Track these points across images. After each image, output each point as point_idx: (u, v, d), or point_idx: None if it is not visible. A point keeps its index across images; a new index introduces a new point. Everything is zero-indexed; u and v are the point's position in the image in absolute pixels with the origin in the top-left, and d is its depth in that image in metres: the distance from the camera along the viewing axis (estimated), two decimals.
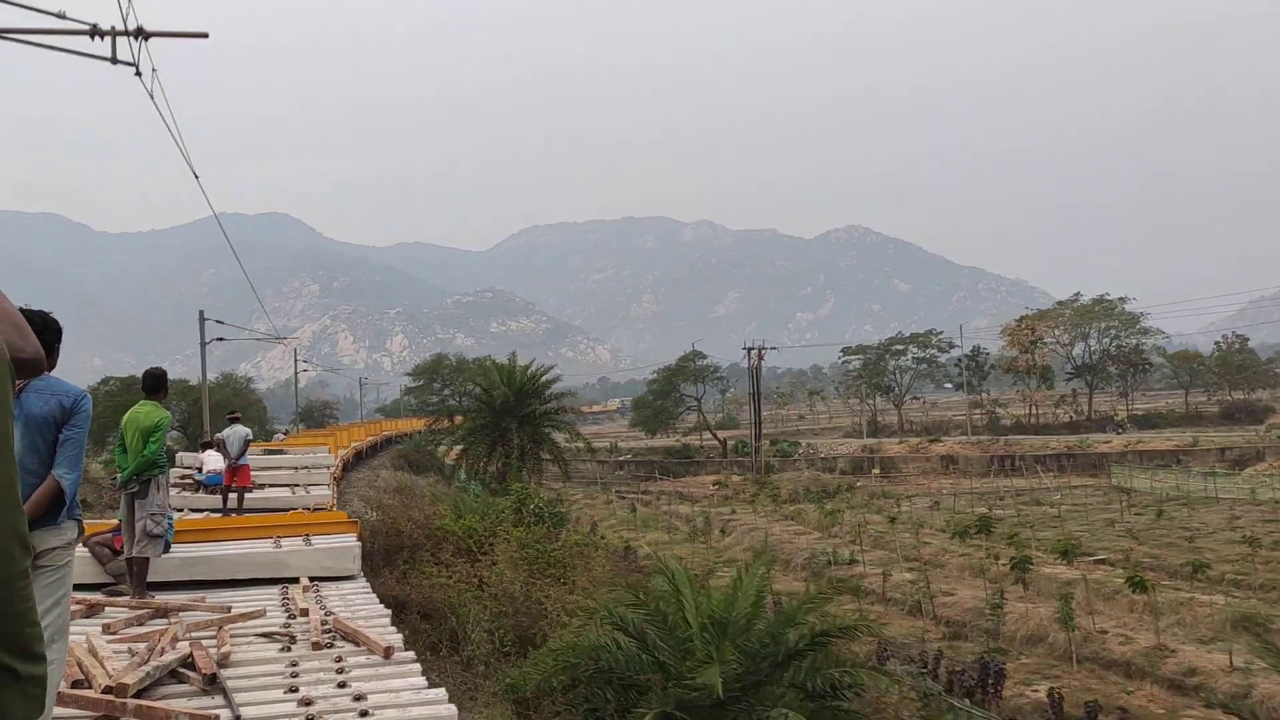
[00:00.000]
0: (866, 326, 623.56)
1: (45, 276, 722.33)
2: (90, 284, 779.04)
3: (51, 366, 5.26)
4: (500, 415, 41.84)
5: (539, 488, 37.38)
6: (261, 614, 8.20)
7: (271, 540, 10.82)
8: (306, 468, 26.05)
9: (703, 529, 49.46)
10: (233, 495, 18.94)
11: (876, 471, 74.59)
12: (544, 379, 44.31)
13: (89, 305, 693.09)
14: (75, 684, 5.86)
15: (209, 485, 19.87)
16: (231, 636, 7.29)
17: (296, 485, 23.43)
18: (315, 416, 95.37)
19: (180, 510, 18.54)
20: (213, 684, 6.11)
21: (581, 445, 73.75)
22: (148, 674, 5.99)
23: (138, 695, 5.77)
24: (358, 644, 7.08)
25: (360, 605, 8.72)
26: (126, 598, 8.89)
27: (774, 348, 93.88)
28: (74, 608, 8.00)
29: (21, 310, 5.10)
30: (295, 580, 9.67)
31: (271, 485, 23.16)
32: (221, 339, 43.57)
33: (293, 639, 7.31)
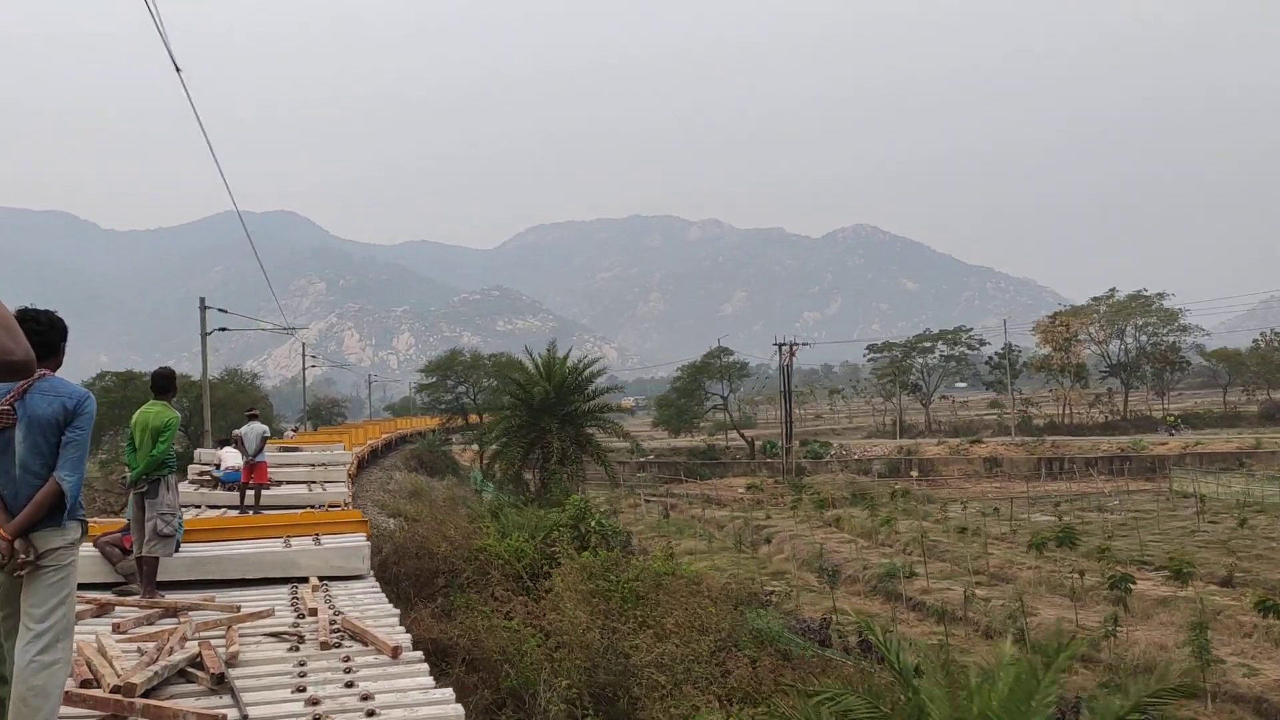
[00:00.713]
0: (874, 325, 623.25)
1: (52, 274, 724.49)
2: (97, 281, 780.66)
3: (57, 366, 5.26)
4: (538, 414, 36.85)
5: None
6: (270, 614, 8.22)
7: (281, 540, 10.85)
8: (323, 465, 26.11)
9: (750, 539, 45.30)
10: (250, 492, 19.12)
11: (914, 474, 71.30)
12: (587, 372, 39.31)
13: (96, 303, 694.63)
14: (84, 683, 5.86)
15: (226, 482, 20.03)
16: (240, 636, 7.29)
17: (313, 482, 23.54)
18: (323, 414, 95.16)
19: (198, 507, 18.61)
20: (220, 683, 6.11)
21: (629, 446, 64.56)
22: (156, 673, 6.00)
23: (146, 694, 5.77)
24: (366, 644, 7.09)
25: (369, 605, 8.75)
26: (136, 597, 8.90)
27: (805, 344, 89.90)
28: (84, 607, 8.04)
29: (27, 309, 5.13)
30: (305, 580, 9.70)
31: (288, 482, 23.26)
32: (224, 329, 40.91)
33: (301, 639, 7.31)
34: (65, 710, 5.25)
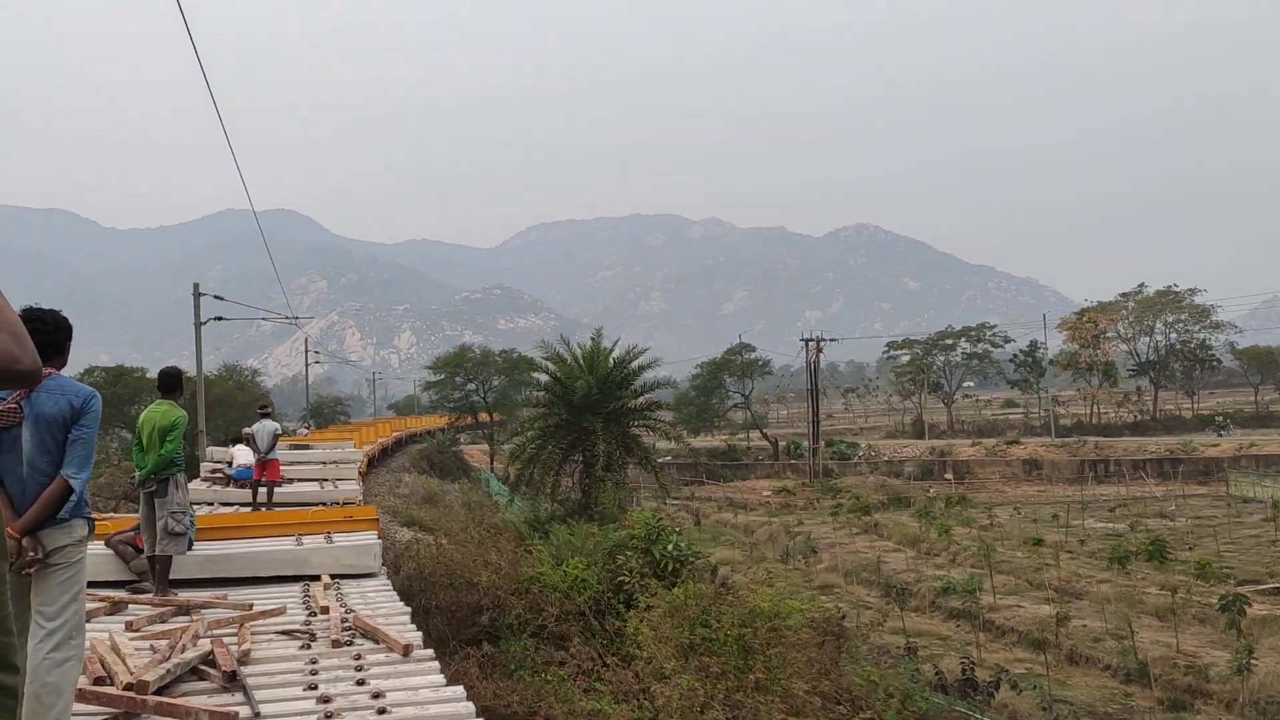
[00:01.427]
0: (876, 325, 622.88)
1: (52, 272, 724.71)
2: (98, 280, 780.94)
3: (63, 365, 5.28)
4: (580, 412, 31.63)
5: (624, 508, 28.45)
6: (282, 611, 8.25)
7: (293, 538, 10.89)
8: (335, 463, 26.18)
9: (800, 550, 40.33)
10: (262, 489, 19.19)
11: (949, 476, 67.54)
12: (635, 364, 33.78)
13: (96, 301, 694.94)
14: (97, 680, 5.89)
15: (239, 479, 20.09)
16: (252, 634, 7.32)
17: (324, 480, 23.64)
18: (325, 413, 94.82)
19: (211, 504, 18.66)
20: (233, 681, 6.12)
21: (679, 447, 60.01)
22: (168, 671, 6.01)
23: (158, 692, 5.79)
24: (377, 641, 7.11)
25: (380, 603, 8.78)
26: (149, 595, 8.95)
27: (833, 339, 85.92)
28: (98, 605, 8.07)
29: (33, 309, 5.13)
30: (316, 578, 9.73)
31: (300, 480, 23.36)
32: (220, 318, 38.58)
33: (313, 636, 7.35)
34: (78, 707, 5.26)
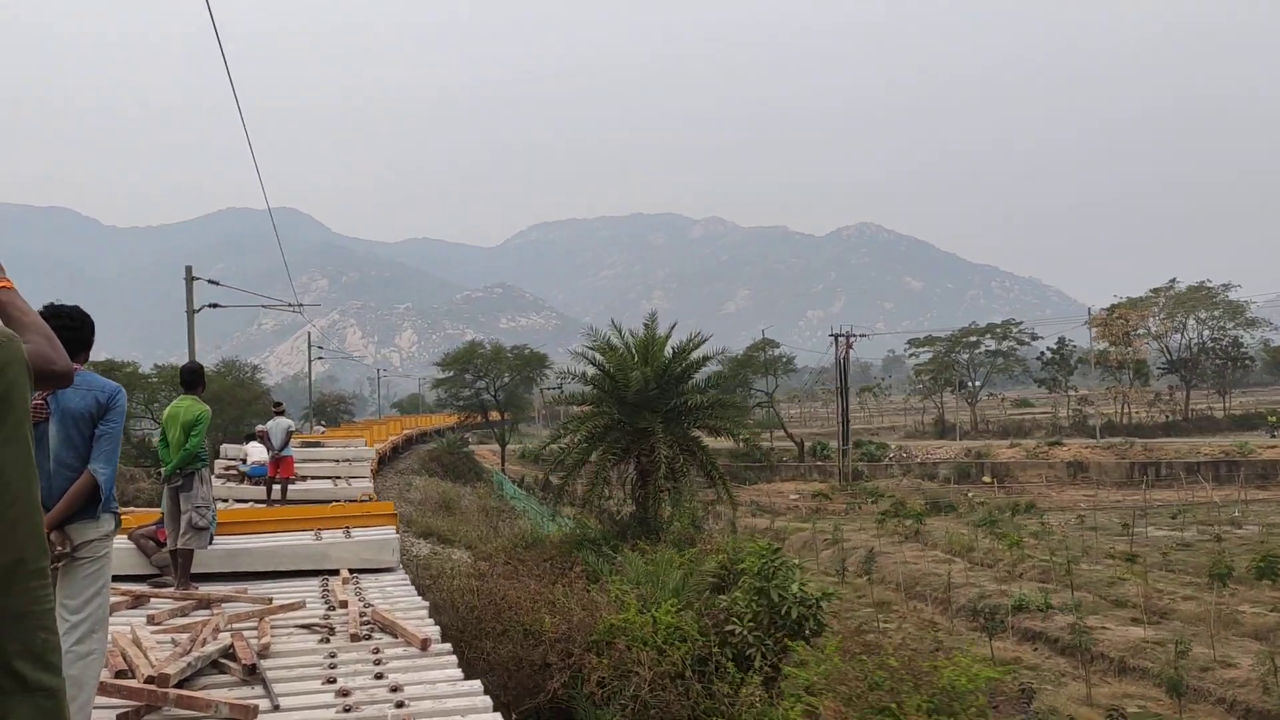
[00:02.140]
0: (879, 324, 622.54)
1: (54, 270, 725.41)
2: (100, 278, 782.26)
3: (85, 361, 5.31)
4: (634, 411, 26.37)
5: (699, 526, 25.18)
6: (301, 605, 8.27)
7: (312, 532, 10.94)
8: (348, 460, 26.27)
9: (857, 561, 35.13)
10: (276, 486, 19.26)
11: (987, 479, 63.35)
12: (694, 355, 28.25)
13: (97, 299, 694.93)
14: (119, 673, 5.90)
15: (253, 476, 20.17)
16: (272, 628, 7.35)
17: (338, 477, 23.73)
18: (328, 411, 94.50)
19: (225, 501, 18.77)
20: (253, 674, 6.13)
21: (753, 448, 54.49)
22: (189, 664, 6.03)
23: (179, 685, 5.80)
24: (395, 635, 7.13)
25: (399, 597, 8.79)
26: (171, 589, 8.99)
27: (864, 334, 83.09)
28: (120, 599, 8.09)
29: (57, 306, 5.16)
30: (335, 572, 9.76)
31: (313, 477, 23.43)
32: (216, 305, 36.17)
33: (332, 630, 7.36)
34: (100, 700, 5.28)
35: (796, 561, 14.03)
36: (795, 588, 12.15)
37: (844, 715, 8.87)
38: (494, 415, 69.13)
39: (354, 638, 7.08)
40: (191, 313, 33.59)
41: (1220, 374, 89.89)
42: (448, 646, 7.02)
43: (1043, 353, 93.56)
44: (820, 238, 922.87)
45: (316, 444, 30.98)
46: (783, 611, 11.81)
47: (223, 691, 5.89)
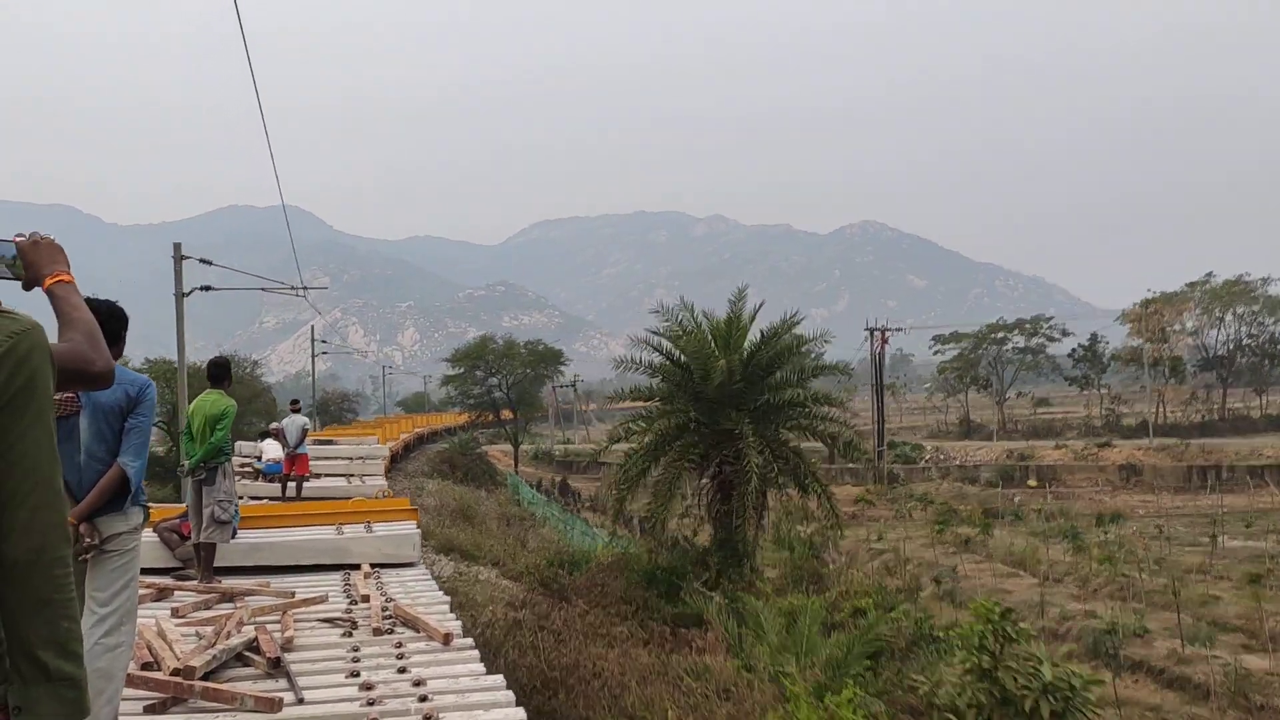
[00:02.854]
0: (882, 323, 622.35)
1: None
2: (101, 276, 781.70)
3: (119, 355, 5.32)
4: (715, 409, 21.54)
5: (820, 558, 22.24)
6: (324, 599, 8.32)
7: (334, 527, 10.99)
8: (361, 458, 26.34)
9: (944, 586, 28.63)
10: (291, 484, 19.37)
11: (1033, 483, 59.29)
12: (786, 338, 23.08)
13: (99, 297, 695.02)
14: (145, 666, 5.93)
15: (268, 473, 20.25)
16: (295, 621, 7.38)
17: (351, 475, 23.83)
18: (331, 410, 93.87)
19: (240, 498, 18.90)
20: (277, 667, 6.16)
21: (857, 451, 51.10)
22: (214, 657, 6.07)
23: (205, 677, 5.84)
24: (417, 630, 7.15)
25: (420, 592, 8.82)
26: (194, 582, 9.04)
27: (899, 329, 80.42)
28: (144, 591, 8.11)
29: (88, 300, 5.16)
30: (356, 566, 9.80)
31: (327, 475, 23.53)
32: (209, 288, 33.02)
33: (354, 624, 7.40)
34: (127, 691, 5.29)
35: (1025, 626, 9.91)
36: (1046, 671, 8.74)
37: None
38: (505, 414, 65.85)
39: (376, 632, 7.10)
40: (180, 296, 30.38)
41: (1257, 372, 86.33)
42: (469, 641, 7.04)
43: (1074, 350, 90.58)
44: (823, 236, 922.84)
45: (330, 441, 31.10)
46: (1025, 707, 8.45)
47: (247, 684, 5.92)
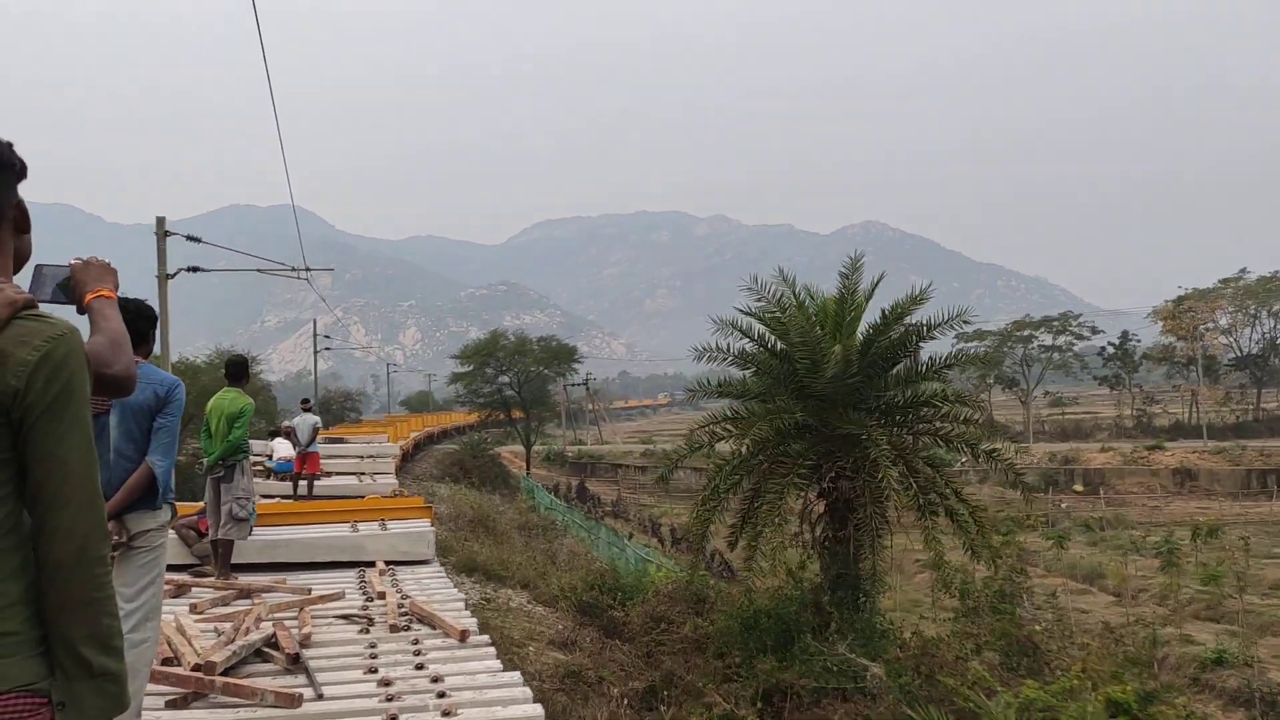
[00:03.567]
0: None
1: None
2: None
3: (148, 354, 5.38)
4: (827, 409, 16.85)
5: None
6: (340, 596, 8.35)
7: (349, 525, 11.04)
8: (372, 456, 26.40)
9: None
10: (302, 482, 19.43)
11: (1079, 488, 56.70)
12: (907, 319, 18.16)
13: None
14: (165, 661, 5.96)
15: (279, 472, 20.31)
16: (312, 618, 7.40)
17: (362, 473, 23.91)
18: (334, 409, 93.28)
19: (254, 494, 19.02)
20: (296, 663, 6.19)
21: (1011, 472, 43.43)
22: (234, 653, 6.10)
23: (225, 673, 5.87)
24: (433, 627, 7.18)
25: (435, 589, 8.86)
26: (212, 579, 9.10)
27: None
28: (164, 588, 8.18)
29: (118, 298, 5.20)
30: (371, 564, 9.85)
31: (338, 473, 23.65)
32: (196, 269, 29.95)
33: (371, 621, 7.43)
34: (149, 686, 5.33)
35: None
36: None
37: None
38: (516, 413, 62.98)
39: (393, 628, 7.13)
40: (164, 278, 27.33)
41: None
42: (486, 638, 7.07)
43: (1103, 348, 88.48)
44: (825, 236, 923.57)
45: (341, 440, 31.17)
46: None
47: (267, 680, 5.94)
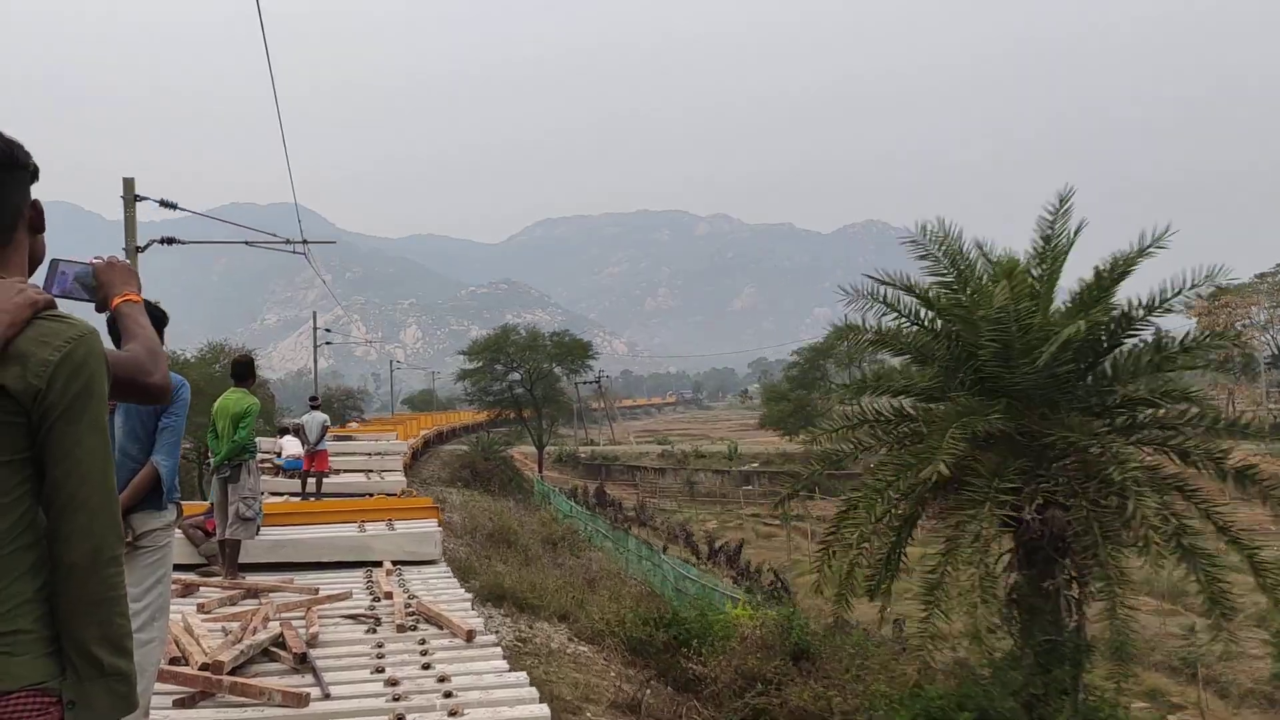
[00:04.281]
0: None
1: None
2: None
3: None
4: (1025, 409, 11.92)
5: None
6: (347, 596, 8.37)
7: (355, 524, 11.06)
8: (380, 454, 26.46)
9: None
10: (311, 480, 19.49)
11: None
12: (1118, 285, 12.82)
13: None
14: (172, 661, 5.97)
15: (288, 470, 20.34)
16: (319, 617, 7.42)
17: (370, 471, 23.95)
18: (335, 407, 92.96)
19: (261, 494, 19.06)
20: (303, 663, 6.21)
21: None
22: (242, 652, 6.11)
23: (233, 672, 5.88)
24: (440, 627, 7.20)
25: (441, 589, 8.87)
26: (219, 578, 9.11)
27: None
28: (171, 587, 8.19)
29: None
30: (378, 564, 9.86)
31: (347, 471, 23.63)
32: (173, 240, 25.27)
33: (378, 621, 7.46)
34: (156, 686, 5.33)
35: None
36: None
37: None
38: (526, 412, 59.96)
39: (400, 628, 7.16)
40: (134, 249, 22.60)
41: None
42: (493, 638, 7.09)
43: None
44: (826, 235, 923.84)
45: (349, 438, 31.19)
46: None
47: (274, 679, 5.95)
